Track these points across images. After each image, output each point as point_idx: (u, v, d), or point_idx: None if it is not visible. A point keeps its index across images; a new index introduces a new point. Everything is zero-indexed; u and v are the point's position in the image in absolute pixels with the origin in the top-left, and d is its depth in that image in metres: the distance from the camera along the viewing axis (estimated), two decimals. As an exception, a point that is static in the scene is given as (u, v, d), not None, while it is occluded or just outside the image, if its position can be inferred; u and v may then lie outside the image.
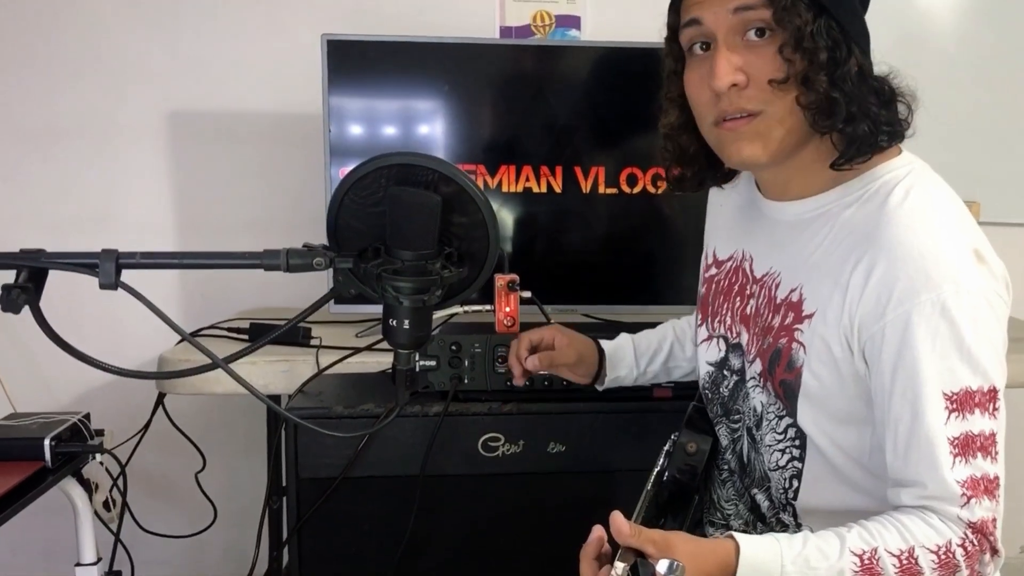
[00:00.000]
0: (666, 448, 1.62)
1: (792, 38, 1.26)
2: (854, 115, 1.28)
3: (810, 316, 1.33)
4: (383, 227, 1.15)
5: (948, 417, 1.20)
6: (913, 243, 1.23)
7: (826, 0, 1.26)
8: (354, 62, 2.34)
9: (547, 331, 1.77)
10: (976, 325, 1.21)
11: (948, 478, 1.20)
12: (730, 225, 1.59)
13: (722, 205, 1.63)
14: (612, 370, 1.79)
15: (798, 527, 1.43)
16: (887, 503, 1.28)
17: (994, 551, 1.24)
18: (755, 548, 1.19)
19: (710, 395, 1.59)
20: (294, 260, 1.14)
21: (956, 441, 1.20)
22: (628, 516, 1.16)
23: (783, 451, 1.40)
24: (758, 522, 1.51)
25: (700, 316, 1.63)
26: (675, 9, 1.38)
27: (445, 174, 1.13)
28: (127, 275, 1.11)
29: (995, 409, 1.22)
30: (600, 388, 1.82)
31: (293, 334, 2.20)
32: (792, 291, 1.37)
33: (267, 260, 1.13)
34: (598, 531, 1.20)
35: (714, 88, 1.31)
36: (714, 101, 1.32)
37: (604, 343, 1.81)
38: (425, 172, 1.13)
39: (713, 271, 1.61)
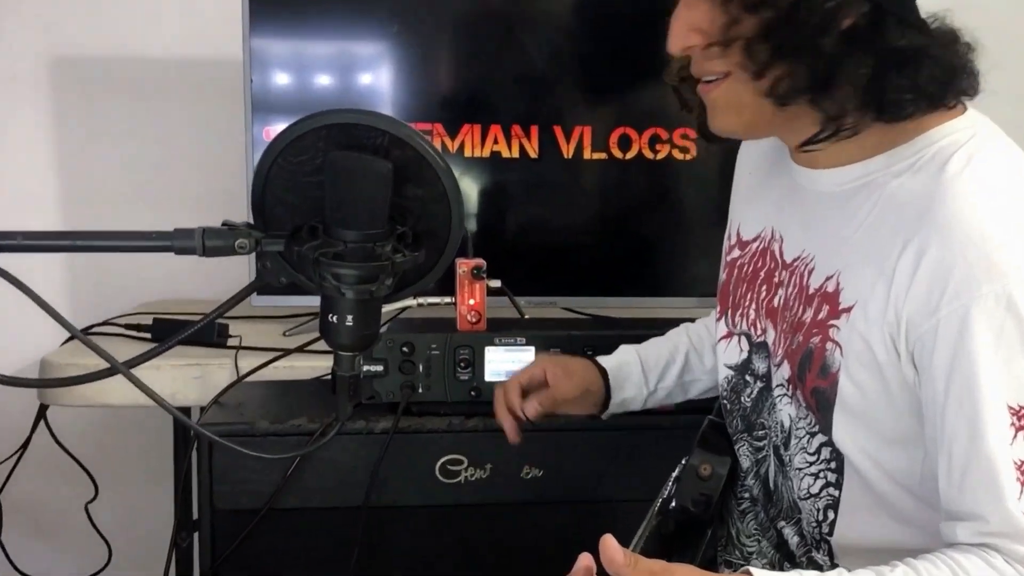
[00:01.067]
0: (675, 474, 1.64)
1: None
2: (822, 87, 1.28)
3: (848, 310, 1.33)
4: (321, 201, 1.15)
5: (1014, 436, 1.20)
6: (973, 222, 1.23)
7: None
8: (281, -2, 2.34)
9: (536, 367, 1.76)
10: None
11: (1013, 510, 1.20)
12: (757, 198, 1.60)
13: (751, 173, 1.63)
14: (618, 391, 1.78)
15: (835, 567, 1.43)
16: (942, 540, 1.29)
17: None
18: None
19: (729, 405, 1.59)
20: (212, 242, 1.13)
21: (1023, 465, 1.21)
22: (624, 546, 1.17)
23: (816, 475, 1.41)
24: (785, 561, 1.53)
25: (720, 308, 1.64)
26: None
27: (397, 136, 1.13)
28: (5, 257, 1.11)
29: None
30: (605, 417, 1.80)
31: (207, 332, 2.19)
32: (827, 279, 1.37)
33: (178, 242, 1.13)
34: (585, 560, 1.21)
35: (670, 53, 1.35)
36: (681, 60, 1.38)
37: (604, 360, 1.80)
38: (372, 133, 1.13)
39: (736, 253, 1.62)
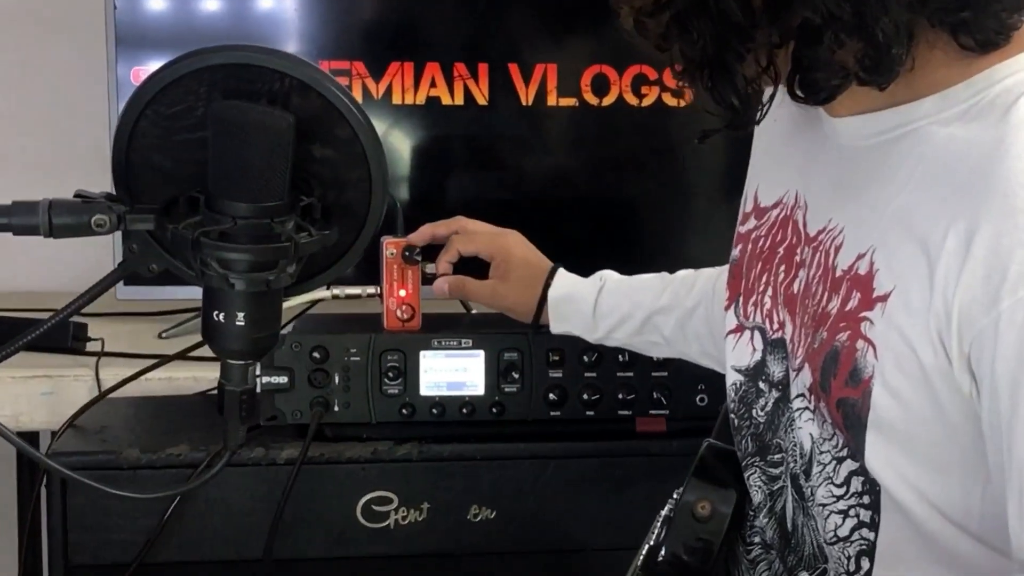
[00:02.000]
0: (664, 512, 1.64)
1: None
2: (703, 66, 1.31)
3: (884, 298, 1.32)
4: (203, 166, 1.15)
5: None
6: None
7: None
8: None
9: (487, 242, 1.94)
10: None
11: None
12: (781, 153, 1.61)
13: (776, 120, 1.59)
14: (559, 321, 1.93)
15: (873, 632, 1.46)
16: None
17: None
18: None
19: (738, 421, 1.59)
20: (61, 219, 1.14)
21: None
22: None
23: (845, 513, 1.41)
24: (809, 626, 1.54)
25: (729, 294, 1.65)
26: None
27: (301, 80, 1.14)
28: None
29: None
30: (554, 332, 1.96)
31: (60, 335, 2.19)
32: (859, 258, 1.37)
33: (18, 219, 1.14)
34: None
35: None
36: None
37: (558, 280, 1.94)
38: (269, 77, 1.14)
39: (752, 224, 1.62)
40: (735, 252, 1.65)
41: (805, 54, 1.29)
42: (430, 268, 2.02)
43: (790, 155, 1.58)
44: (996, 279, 1.21)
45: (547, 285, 1.92)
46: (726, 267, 1.75)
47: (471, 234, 1.97)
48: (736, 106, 1.34)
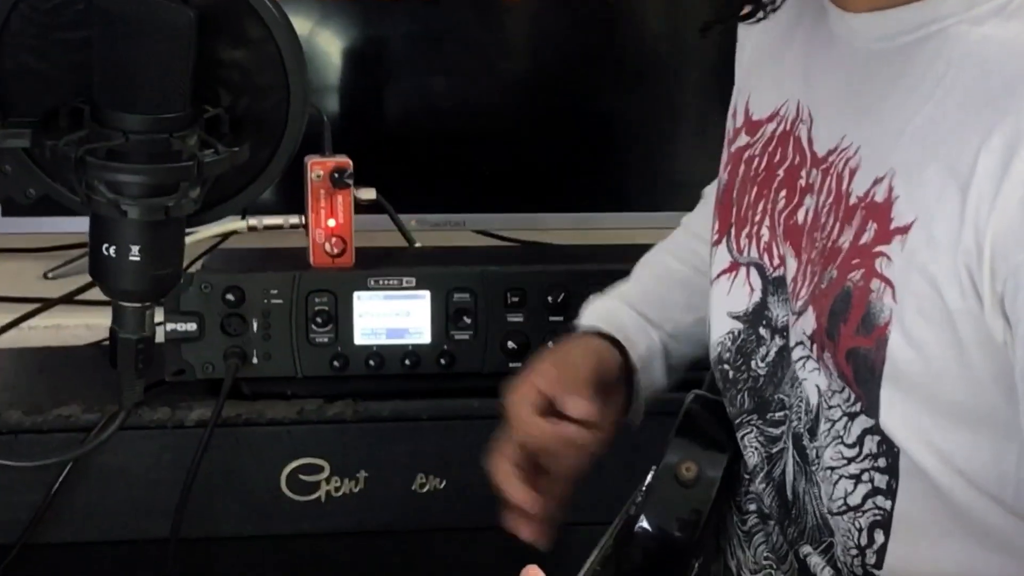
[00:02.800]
0: (647, 481, 1.65)
1: None
2: None
3: (905, 230, 1.33)
4: (87, 69, 1.15)
5: None
6: None
7: None
8: None
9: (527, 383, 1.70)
10: None
11: None
12: (780, 56, 1.61)
13: (768, 24, 1.61)
14: (632, 347, 1.76)
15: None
16: None
17: None
18: None
19: (733, 374, 1.60)
20: (-81, 137, 1.14)
21: None
22: None
23: (857, 478, 1.42)
24: (812, 608, 1.56)
25: (719, 226, 1.65)
26: None
27: (202, -35, 1.14)
28: None
29: None
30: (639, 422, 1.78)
31: (-76, 276, 2.20)
32: (876, 183, 1.37)
33: None
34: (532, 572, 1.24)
35: None
36: None
37: (587, 320, 1.80)
38: (167, -39, 1.14)
39: (743, 140, 1.63)
40: (724, 175, 1.65)
41: None
42: (365, 193, 2.02)
43: (788, 59, 1.58)
44: None
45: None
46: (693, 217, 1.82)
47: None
48: None
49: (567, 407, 1.58)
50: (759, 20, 1.39)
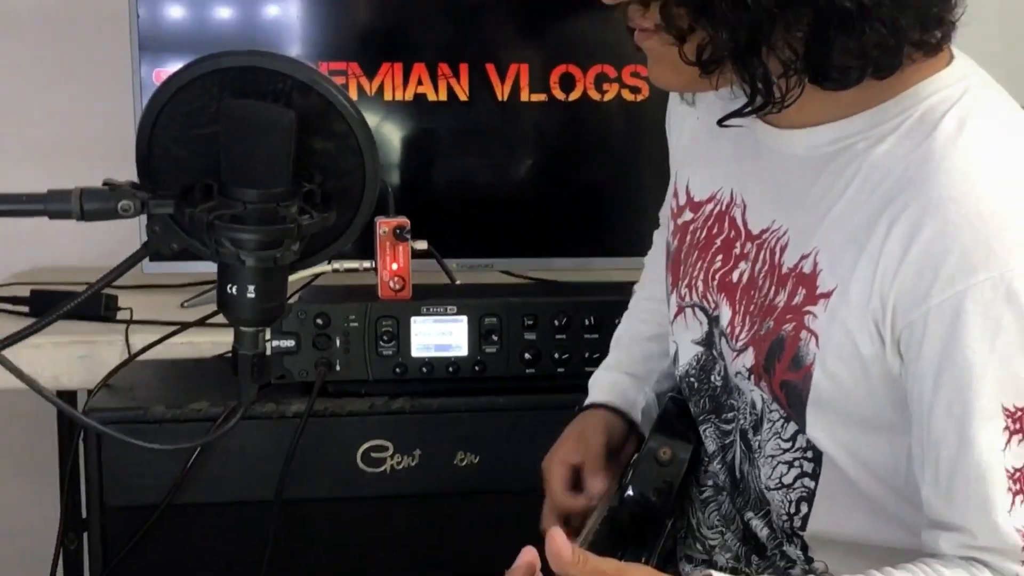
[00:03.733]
0: (634, 460, 1.65)
1: None
2: (745, 52, 1.25)
3: (827, 295, 1.33)
4: (216, 157, 1.15)
5: (1008, 441, 1.21)
6: (970, 199, 1.23)
7: None
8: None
9: (553, 472, 1.69)
10: None
11: (1004, 525, 1.22)
12: (710, 149, 1.58)
13: (699, 118, 1.60)
14: (632, 410, 1.74)
15: (808, 562, 1.46)
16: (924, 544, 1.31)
17: None
18: None
19: (697, 384, 1.59)
20: (91, 205, 1.13)
21: (1017, 474, 1.22)
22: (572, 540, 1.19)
23: (790, 464, 1.42)
24: (753, 555, 1.55)
25: (671, 280, 1.63)
26: None
27: (301, 80, 1.13)
28: None
29: None
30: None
31: (93, 305, 2.18)
32: (803, 258, 1.37)
33: (53, 205, 1.13)
34: (528, 555, 1.23)
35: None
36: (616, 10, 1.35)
37: (595, 398, 1.75)
38: (272, 78, 1.13)
39: (688, 216, 1.60)
40: (674, 242, 1.63)
41: (834, 41, 1.24)
42: (419, 244, 2.03)
43: (719, 154, 1.56)
44: (928, 277, 1.23)
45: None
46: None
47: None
48: (761, 89, 1.29)
49: (589, 484, 1.63)
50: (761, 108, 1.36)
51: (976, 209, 1.22)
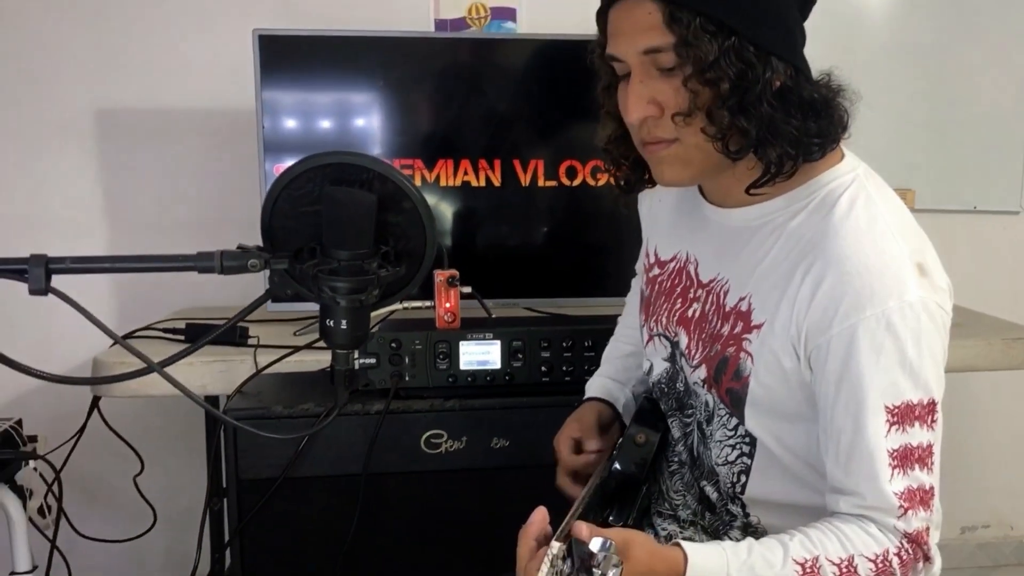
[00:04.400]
0: (619, 441, 1.64)
1: (696, 70, 1.25)
2: (765, 140, 1.28)
3: (759, 326, 1.35)
4: (318, 227, 1.15)
5: (889, 430, 1.24)
6: (859, 258, 1.26)
7: (736, 22, 1.24)
8: (287, 57, 2.33)
9: (563, 439, 1.69)
10: (919, 339, 1.24)
11: (887, 490, 1.24)
12: (671, 224, 1.60)
13: (661, 200, 1.62)
14: (617, 404, 1.75)
15: (746, 517, 1.46)
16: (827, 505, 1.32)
17: (927, 559, 1.28)
18: (703, 556, 1.22)
19: (666, 389, 1.59)
20: (228, 262, 1.14)
21: (895, 453, 1.24)
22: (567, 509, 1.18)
23: (733, 447, 1.42)
24: (707, 512, 1.53)
25: (644, 317, 1.64)
26: (602, 30, 1.37)
27: (380, 172, 1.14)
28: (58, 278, 1.11)
29: (933, 421, 1.26)
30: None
31: (230, 334, 2.18)
32: (741, 299, 1.39)
33: (200, 263, 1.13)
34: (540, 512, 1.23)
35: (627, 121, 1.35)
36: (636, 126, 1.35)
37: (592, 392, 1.75)
38: (360, 171, 1.14)
39: (656, 271, 1.62)
40: (646, 290, 1.64)
41: (805, 127, 1.29)
42: (465, 289, 2.02)
43: (678, 226, 1.57)
44: (830, 314, 1.26)
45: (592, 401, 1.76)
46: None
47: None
48: (776, 162, 1.30)
49: (587, 446, 1.65)
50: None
51: (864, 263, 1.25)
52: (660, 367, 1.59)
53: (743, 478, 1.42)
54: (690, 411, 1.52)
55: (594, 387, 1.77)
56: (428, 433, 1.95)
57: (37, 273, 1.09)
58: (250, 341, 2.22)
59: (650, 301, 1.61)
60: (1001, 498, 3.30)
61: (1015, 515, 3.33)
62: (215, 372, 2.12)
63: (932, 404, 1.25)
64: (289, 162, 1.19)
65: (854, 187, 1.33)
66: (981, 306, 2.57)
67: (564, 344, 2.01)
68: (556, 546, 1.14)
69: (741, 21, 1.24)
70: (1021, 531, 3.34)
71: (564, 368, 2.01)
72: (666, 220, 1.61)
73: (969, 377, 2.66)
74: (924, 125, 2.97)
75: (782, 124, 1.27)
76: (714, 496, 1.50)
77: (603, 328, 1.90)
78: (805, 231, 1.33)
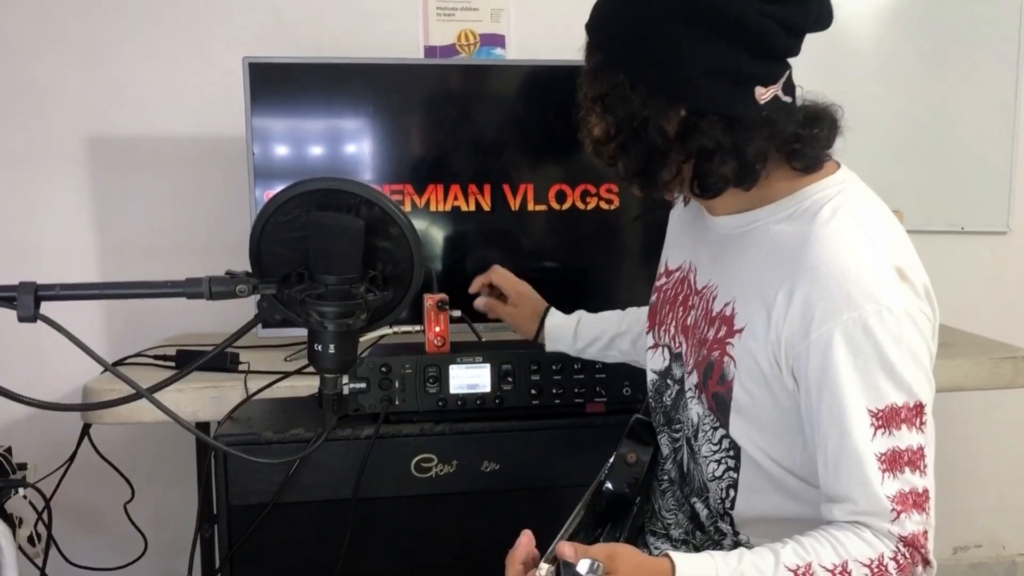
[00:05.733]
0: (609, 462, 1.64)
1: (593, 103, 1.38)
2: (636, 175, 1.37)
3: (740, 331, 1.36)
4: (306, 252, 1.16)
5: (874, 433, 1.23)
6: (835, 263, 1.26)
7: (626, 67, 1.32)
8: (277, 85, 2.34)
9: (509, 288, 1.97)
10: (899, 342, 1.23)
11: (878, 493, 1.23)
12: (682, 236, 1.63)
13: (680, 216, 1.66)
14: (551, 343, 1.93)
15: (736, 535, 1.46)
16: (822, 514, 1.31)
17: (926, 562, 1.27)
18: (691, 566, 1.22)
19: (654, 403, 1.61)
20: (217, 288, 1.14)
21: (884, 457, 1.23)
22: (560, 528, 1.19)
23: (719, 461, 1.43)
24: (697, 531, 1.54)
25: (649, 324, 1.66)
26: None
27: (367, 198, 1.15)
28: (48, 305, 1.11)
29: (922, 424, 1.25)
30: (548, 350, 1.94)
31: (221, 360, 2.18)
32: (726, 305, 1.40)
33: (189, 289, 1.14)
34: (525, 536, 1.24)
35: None
36: None
37: (551, 317, 1.93)
38: (347, 197, 1.15)
39: (663, 281, 1.65)
40: (653, 298, 1.67)
41: (702, 167, 1.32)
42: (454, 313, 2.03)
43: (685, 238, 1.61)
44: (807, 319, 1.26)
45: (543, 319, 1.92)
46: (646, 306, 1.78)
47: (502, 272, 1.99)
48: (656, 199, 1.39)
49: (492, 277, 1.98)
50: (664, 212, 1.47)
51: (840, 269, 1.26)
52: (651, 378, 1.61)
53: (731, 492, 1.43)
54: (678, 426, 1.53)
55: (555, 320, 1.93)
56: (418, 457, 1.95)
57: (26, 300, 1.10)
58: (241, 367, 2.22)
59: (656, 310, 1.64)
60: (993, 518, 3.30)
61: (1007, 535, 3.33)
62: (206, 398, 2.12)
63: (919, 406, 1.25)
64: (279, 188, 1.19)
65: (839, 197, 1.35)
66: (969, 326, 2.59)
67: (554, 367, 2.01)
68: (544, 568, 1.14)
69: (630, 65, 1.32)
70: (1013, 551, 3.34)
71: (554, 391, 2.01)
72: (680, 231, 1.65)
73: (957, 397, 2.66)
74: (911, 146, 2.99)
75: (669, 162, 1.35)
76: (704, 513, 1.50)
77: (632, 361, 1.92)
78: (786, 238, 1.34)
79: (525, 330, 1.96)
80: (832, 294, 1.24)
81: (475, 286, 1.99)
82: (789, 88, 1.34)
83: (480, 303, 1.98)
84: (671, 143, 1.32)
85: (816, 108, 1.37)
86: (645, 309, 1.86)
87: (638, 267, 2.47)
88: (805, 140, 1.34)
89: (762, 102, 1.30)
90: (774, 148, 1.34)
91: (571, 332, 1.90)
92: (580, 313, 1.95)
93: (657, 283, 1.67)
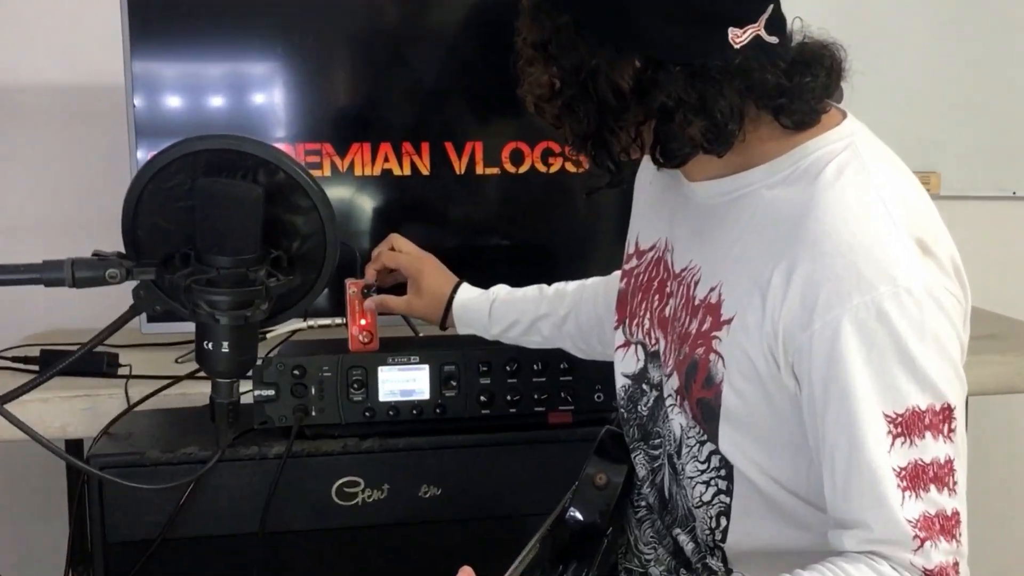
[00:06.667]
0: (575, 486, 1.65)
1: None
2: (585, 139, 1.38)
3: (729, 321, 1.35)
4: (193, 228, 1.16)
5: (892, 443, 1.22)
6: (842, 234, 1.25)
7: (569, 4, 1.33)
8: (163, 20, 2.33)
9: (409, 266, 1.99)
10: (923, 330, 1.22)
11: (897, 517, 1.22)
12: (655, 208, 1.62)
13: (651, 183, 1.65)
14: (462, 326, 1.96)
15: (729, 574, 1.47)
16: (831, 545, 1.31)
17: None
18: None
19: (626, 415, 1.61)
20: (81, 273, 1.14)
21: (903, 472, 1.22)
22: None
23: (707, 483, 1.43)
24: (681, 568, 1.55)
25: (618, 317, 1.65)
26: None
27: (267, 159, 1.15)
28: None
29: (951, 431, 1.23)
30: (459, 333, 1.97)
31: (95, 362, 2.17)
32: (711, 290, 1.40)
33: (47, 274, 1.14)
34: (464, 573, 1.26)
35: None
36: None
37: (460, 294, 1.96)
38: (242, 158, 1.15)
39: (633, 263, 1.64)
40: (621, 285, 1.66)
41: (663, 129, 1.32)
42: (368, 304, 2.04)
43: (661, 209, 1.59)
44: (809, 305, 1.25)
45: (451, 299, 1.94)
46: (591, 281, 1.88)
47: (396, 253, 2.00)
48: (612, 169, 1.38)
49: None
50: (621, 186, 1.45)
51: (848, 242, 1.25)
52: (619, 383, 1.61)
53: (722, 521, 1.43)
54: (656, 441, 1.53)
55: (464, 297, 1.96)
56: (341, 481, 1.95)
57: None
58: (121, 371, 2.22)
59: (625, 299, 1.63)
60: (1046, 548, 3.35)
61: (1064, 568, 3.38)
62: (77, 410, 2.11)
63: (947, 410, 1.23)
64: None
65: (846, 154, 1.34)
66: (1020, 312, 2.60)
67: (508, 368, 2.02)
68: None
69: (575, 4, 1.32)
70: (1071, 588, 3.39)
71: (508, 398, 2.02)
72: (650, 205, 1.64)
73: (1005, 400, 2.70)
74: (950, 97, 3.00)
75: (624, 124, 1.35)
76: (689, 548, 1.51)
77: (555, 348, 1.92)
78: (782, 206, 1.34)
79: (430, 315, 1.98)
80: (839, 273, 1.24)
81: (370, 275, 2.00)
82: (776, 25, 1.32)
83: (368, 305, 1.99)
84: (626, 100, 1.31)
85: (808, 49, 1.35)
86: (571, 289, 1.88)
87: (612, 244, 2.46)
88: (792, 92, 1.31)
89: (737, 46, 1.28)
90: (752, 103, 1.33)
91: (485, 313, 1.92)
92: (497, 289, 1.96)
93: (626, 266, 1.66)
